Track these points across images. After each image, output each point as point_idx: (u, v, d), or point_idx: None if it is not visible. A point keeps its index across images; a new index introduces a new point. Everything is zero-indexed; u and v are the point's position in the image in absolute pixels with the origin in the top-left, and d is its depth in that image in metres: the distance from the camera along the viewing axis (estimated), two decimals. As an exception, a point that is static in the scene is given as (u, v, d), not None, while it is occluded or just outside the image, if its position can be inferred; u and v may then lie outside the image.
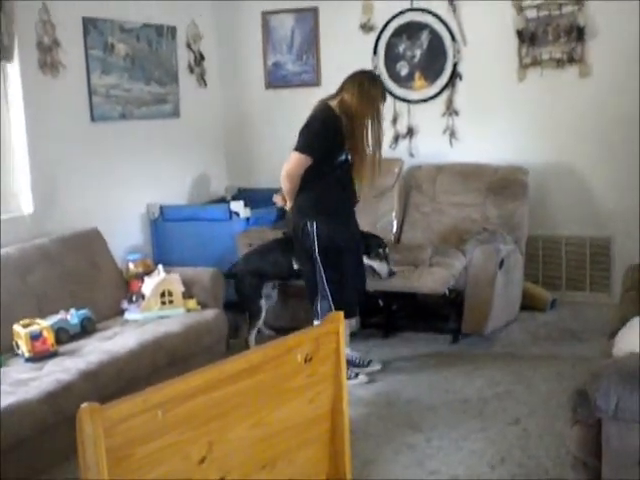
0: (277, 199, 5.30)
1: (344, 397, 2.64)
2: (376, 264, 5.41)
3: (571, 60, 6.44)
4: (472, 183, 6.37)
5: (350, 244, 5.02)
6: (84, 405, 1.96)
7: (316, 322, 4.91)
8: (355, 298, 5.08)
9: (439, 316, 5.97)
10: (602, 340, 3.96)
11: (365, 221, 5.84)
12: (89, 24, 5.93)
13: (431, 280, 5.45)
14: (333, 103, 4.90)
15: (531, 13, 6.48)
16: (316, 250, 4.89)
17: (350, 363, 5.07)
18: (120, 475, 2.02)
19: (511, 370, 5.16)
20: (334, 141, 4.84)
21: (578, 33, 6.36)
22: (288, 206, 5.12)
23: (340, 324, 2.59)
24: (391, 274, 5.44)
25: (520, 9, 6.50)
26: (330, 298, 4.91)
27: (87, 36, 5.92)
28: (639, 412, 2.84)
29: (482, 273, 5.56)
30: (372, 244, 5.45)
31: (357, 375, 5.10)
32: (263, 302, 5.62)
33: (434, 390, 4.90)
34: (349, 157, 4.91)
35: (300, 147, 4.84)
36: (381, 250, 5.43)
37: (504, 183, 6.29)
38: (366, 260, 5.37)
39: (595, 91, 6.43)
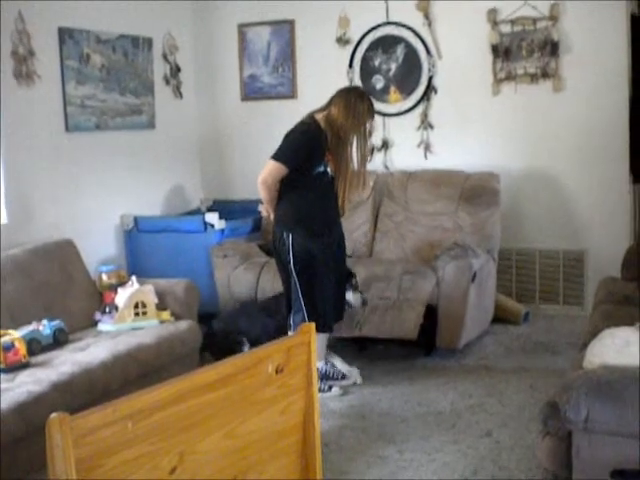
0: (262, 209, 5.28)
1: (315, 409, 2.63)
2: (349, 295, 5.27)
3: (545, 75, 6.50)
4: (444, 190, 6.38)
5: (328, 258, 4.95)
6: (53, 415, 1.95)
7: (290, 334, 4.89)
8: (331, 313, 5.01)
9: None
10: (575, 353, 3.99)
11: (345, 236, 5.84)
12: (65, 34, 5.92)
13: (400, 328, 5.49)
14: (319, 116, 4.92)
15: (505, 28, 6.54)
16: (291, 262, 4.87)
17: (324, 376, 5.08)
18: (90, 486, 2.01)
19: (484, 383, 5.18)
20: (312, 152, 4.84)
21: (552, 48, 6.42)
22: (271, 217, 5.10)
23: (311, 336, 2.59)
24: (364, 303, 5.36)
25: (495, 24, 6.55)
26: (304, 311, 4.88)
27: (63, 46, 5.91)
28: (609, 424, 2.86)
29: (454, 289, 5.56)
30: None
31: (330, 388, 5.08)
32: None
33: (407, 403, 4.91)
34: (328, 169, 4.91)
35: (275, 155, 4.87)
36: (353, 280, 5.30)
37: (476, 191, 6.31)
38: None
39: (569, 106, 6.49)
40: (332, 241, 5.03)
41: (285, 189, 4.91)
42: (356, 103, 4.90)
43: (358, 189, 5.10)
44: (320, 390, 4.82)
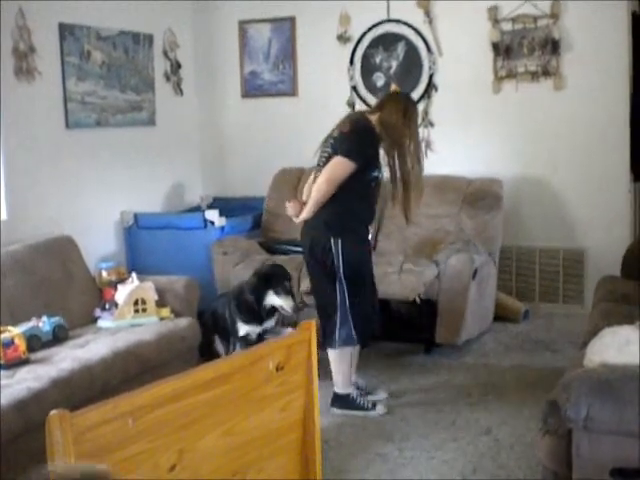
0: (290, 206, 4.82)
1: (315, 406, 2.64)
2: (281, 300, 5.10)
3: (546, 73, 6.49)
4: (447, 195, 6.39)
5: (371, 265, 4.80)
6: (53, 412, 1.95)
7: (331, 350, 4.73)
8: (369, 323, 4.75)
9: (413, 326, 5.98)
10: (574, 351, 3.99)
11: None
12: (65, 30, 5.91)
13: (400, 287, 5.46)
14: (372, 117, 4.69)
15: (506, 26, 6.53)
16: (341, 271, 4.59)
17: (362, 391, 4.94)
18: (89, 483, 2.01)
19: (483, 380, 5.18)
20: (373, 153, 4.62)
21: (553, 46, 6.41)
22: (300, 218, 4.74)
23: (312, 333, 2.60)
24: (298, 309, 5.25)
25: (496, 22, 6.55)
26: (352, 325, 4.62)
27: (63, 42, 5.90)
28: (609, 422, 2.86)
29: (456, 282, 5.57)
30: (276, 277, 5.18)
31: (375, 405, 4.78)
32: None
33: (407, 400, 4.91)
34: (380, 175, 4.68)
35: (345, 152, 4.54)
36: (287, 283, 5.14)
37: (479, 195, 6.32)
38: (271, 297, 5.12)
39: (569, 104, 6.48)
40: (370, 248, 4.90)
41: (336, 191, 4.59)
42: (410, 108, 4.74)
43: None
44: (362, 407, 4.76)
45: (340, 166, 4.54)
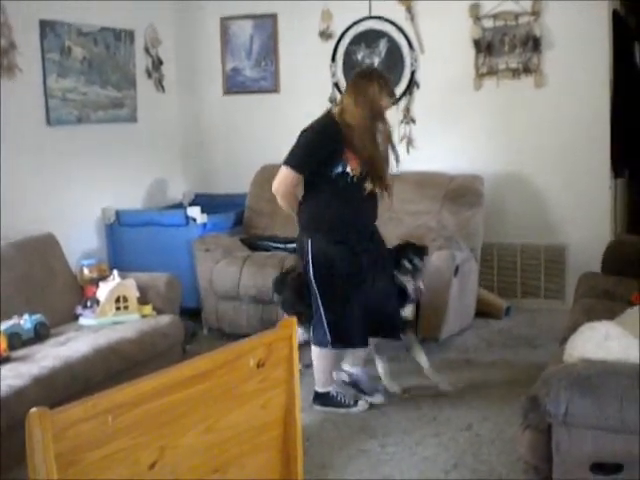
0: None
1: (297, 403, 2.64)
2: (405, 281, 4.85)
3: (527, 70, 6.52)
4: (428, 191, 6.40)
5: (351, 266, 4.48)
6: (33, 409, 1.94)
7: (313, 348, 4.67)
8: (360, 328, 4.56)
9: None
10: (555, 346, 4.01)
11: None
12: (46, 27, 5.89)
13: None
14: (335, 110, 4.53)
15: (488, 23, 6.55)
16: (310, 270, 4.47)
17: (355, 386, 4.89)
18: (70, 480, 2.01)
19: (465, 376, 5.19)
20: (328, 152, 4.40)
21: (534, 44, 6.44)
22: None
23: (292, 330, 2.60)
24: (417, 292, 4.95)
25: (477, 19, 6.56)
26: (325, 324, 4.50)
27: (44, 39, 5.88)
28: (588, 417, 2.88)
29: (438, 278, 5.58)
30: (403, 256, 4.90)
31: (357, 402, 4.74)
32: None
33: (388, 396, 4.91)
34: (348, 169, 4.40)
35: (286, 160, 4.47)
36: (407, 262, 4.83)
37: (460, 191, 6.34)
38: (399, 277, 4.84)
39: (550, 101, 6.51)
40: (360, 249, 4.53)
41: (306, 191, 4.54)
42: (364, 85, 4.41)
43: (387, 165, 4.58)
44: (343, 403, 4.72)
45: (282, 176, 4.51)
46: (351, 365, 4.94)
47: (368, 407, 4.74)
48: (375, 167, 4.46)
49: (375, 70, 4.78)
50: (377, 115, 4.43)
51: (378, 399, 4.82)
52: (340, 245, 4.48)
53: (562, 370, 3.05)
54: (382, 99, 4.42)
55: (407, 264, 4.88)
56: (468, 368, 5.37)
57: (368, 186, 4.46)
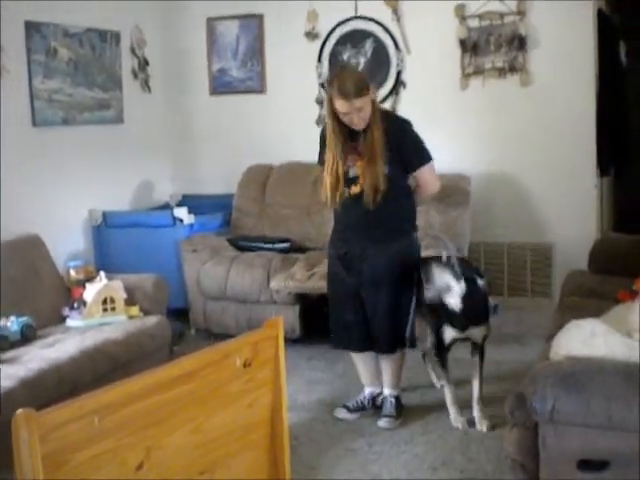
0: None
1: (283, 402, 2.65)
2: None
3: (513, 69, 6.53)
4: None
5: (335, 271, 4.51)
6: (20, 411, 1.95)
7: None
8: (343, 332, 4.57)
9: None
10: (543, 344, 4.02)
11: (315, 230, 5.88)
12: (32, 28, 5.87)
13: None
14: None
15: (473, 22, 6.57)
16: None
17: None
18: (56, 482, 2.01)
19: (452, 374, 5.18)
20: (321, 153, 4.46)
21: (519, 43, 6.45)
22: None
23: (279, 329, 2.60)
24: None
25: (463, 19, 6.58)
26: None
27: (29, 40, 5.86)
28: (575, 414, 2.89)
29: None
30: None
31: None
32: None
33: (380, 395, 4.91)
34: (324, 173, 4.39)
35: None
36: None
37: (447, 191, 6.31)
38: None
39: (536, 100, 6.52)
40: (342, 252, 4.46)
41: None
42: (330, 84, 4.35)
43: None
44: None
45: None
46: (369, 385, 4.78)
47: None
48: (337, 169, 4.33)
49: (339, 69, 4.46)
50: (336, 116, 4.25)
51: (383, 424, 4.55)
52: (330, 249, 4.60)
53: (548, 368, 3.06)
54: (335, 101, 4.20)
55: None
56: (455, 366, 5.33)
57: (354, 188, 4.37)
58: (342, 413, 4.63)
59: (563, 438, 2.94)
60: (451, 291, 4.24)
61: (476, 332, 4.45)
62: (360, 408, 4.66)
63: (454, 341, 4.46)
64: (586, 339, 3.10)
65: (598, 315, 3.48)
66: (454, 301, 4.24)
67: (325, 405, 4.83)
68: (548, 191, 6.62)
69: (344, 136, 4.32)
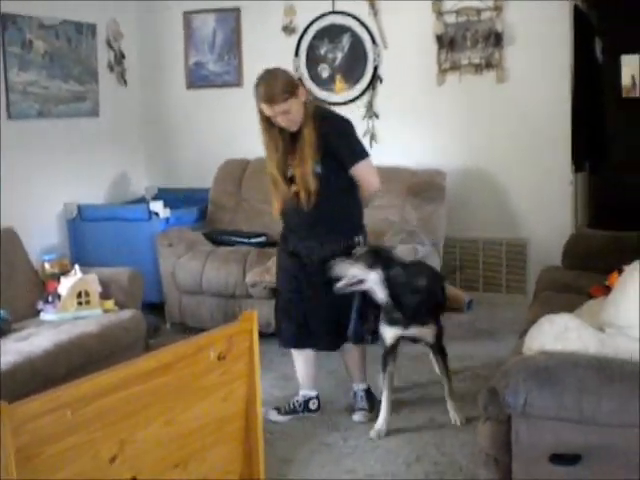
0: None
1: (257, 396, 2.65)
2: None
3: (489, 65, 6.56)
4: (391, 186, 6.39)
5: (281, 268, 4.60)
6: (-9, 404, 1.94)
7: None
8: (289, 329, 4.55)
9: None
10: (516, 339, 4.04)
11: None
12: (7, 20, 5.84)
13: None
14: None
15: (450, 18, 6.59)
16: None
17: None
18: (29, 474, 2.00)
19: (427, 370, 5.21)
20: None
21: (496, 39, 6.48)
22: None
23: (253, 323, 2.60)
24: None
25: (439, 14, 6.59)
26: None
27: (5, 32, 5.83)
28: (547, 408, 2.91)
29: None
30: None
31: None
32: None
33: (351, 390, 4.92)
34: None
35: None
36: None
37: (422, 186, 6.37)
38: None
39: (512, 96, 6.55)
40: (291, 249, 4.50)
41: None
42: (254, 89, 4.28)
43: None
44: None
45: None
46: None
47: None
48: (271, 170, 4.39)
49: (264, 72, 4.30)
50: (266, 119, 4.28)
51: (357, 418, 4.57)
52: (282, 253, 4.60)
53: (521, 362, 3.07)
54: (260, 104, 4.23)
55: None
56: (430, 361, 5.38)
57: (294, 187, 4.35)
58: (273, 415, 4.54)
59: (535, 432, 2.95)
60: (364, 283, 4.22)
61: (424, 332, 4.44)
62: (292, 411, 4.60)
63: (398, 340, 4.43)
64: (559, 334, 3.11)
65: (571, 310, 3.50)
66: (377, 292, 4.25)
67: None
68: (523, 187, 6.65)
69: (284, 136, 4.33)
